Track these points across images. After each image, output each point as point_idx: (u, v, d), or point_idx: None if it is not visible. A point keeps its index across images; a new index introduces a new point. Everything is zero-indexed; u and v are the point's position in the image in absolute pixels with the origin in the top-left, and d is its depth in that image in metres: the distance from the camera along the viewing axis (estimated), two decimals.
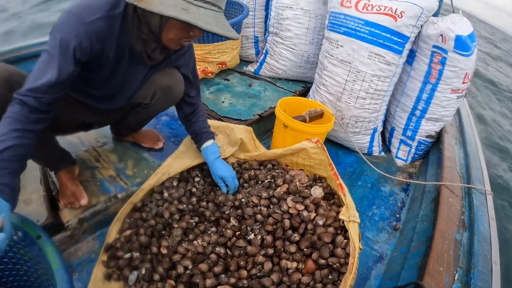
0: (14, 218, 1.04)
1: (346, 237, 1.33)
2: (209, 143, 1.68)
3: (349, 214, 1.32)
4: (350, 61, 2.11)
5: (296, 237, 1.35)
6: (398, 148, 2.47)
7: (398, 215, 1.96)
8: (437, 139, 2.38)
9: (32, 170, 1.66)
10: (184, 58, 1.54)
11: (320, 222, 1.36)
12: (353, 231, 1.28)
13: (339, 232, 1.36)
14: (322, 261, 1.28)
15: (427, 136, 2.34)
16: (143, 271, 1.33)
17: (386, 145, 2.60)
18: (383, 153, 2.50)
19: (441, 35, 1.99)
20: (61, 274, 0.94)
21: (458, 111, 2.64)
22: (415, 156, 2.43)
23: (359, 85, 2.13)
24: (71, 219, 1.48)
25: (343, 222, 1.35)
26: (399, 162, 2.45)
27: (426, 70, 2.14)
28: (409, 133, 2.37)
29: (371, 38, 2.02)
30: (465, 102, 2.80)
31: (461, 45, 1.97)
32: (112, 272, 1.38)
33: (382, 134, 2.59)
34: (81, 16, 1.07)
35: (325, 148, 1.57)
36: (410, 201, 2.07)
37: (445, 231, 1.47)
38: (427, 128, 2.30)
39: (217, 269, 1.30)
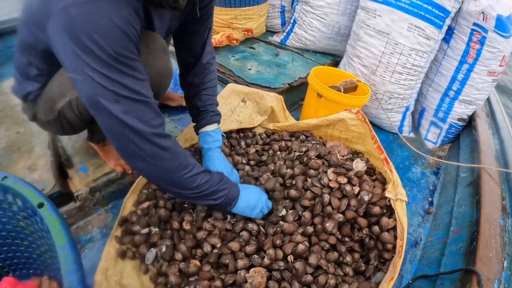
0: (11, 182, 0.89)
1: (391, 218, 1.22)
2: (211, 127, 1.38)
3: (396, 192, 1.21)
4: (388, 32, 1.97)
5: (336, 214, 1.21)
6: (428, 130, 2.34)
7: (430, 198, 1.85)
8: (468, 123, 2.26)
9: (39, 134, 1.53)
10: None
11: (366, 198, 1.22)
12: (401, 210, 1.17)
13: (384, 211, 1.24)
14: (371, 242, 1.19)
15: (458, 119, 2.21)
16: (164, 249, 1.19)
17: (414, 126, 2.47)
18: (412, 134, 2.37)
19: (483, 12, 1.85)
20: (66, 253, 0.76)
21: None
22: (445, 139, 2.31)
23: (396, 59, 1.99)
24: (81, 188, 1.34)
25: (389, 201, 1.24)
26: (429, 145, 2.33)
27: (464, 49, 2.00)
28: (440, 114, 2.24)
29: (412, 9, 1.88)
30: (493, 88, 2.68)
31: (502, 25, 1.85)
32: (127, 249, 1.24)
33: (411, 114, 2.46)
34: None
35: (366, 120, 1.45)
36: (442, 185, 1.96)
37: (490, 216, 1.36)
38: (460, 110, 2.18)
39: (249, 248, 1.17)
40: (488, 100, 2.51)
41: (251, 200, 1.21)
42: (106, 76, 0.79)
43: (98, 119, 0.88)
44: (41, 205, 0.85)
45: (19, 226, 0.99)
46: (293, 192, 1.30)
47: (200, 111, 1.37)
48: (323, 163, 1.38)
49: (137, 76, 0.85)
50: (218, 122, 1.41)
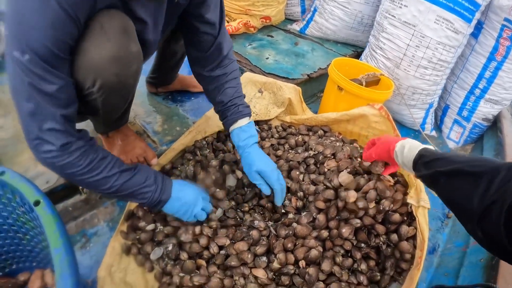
0: (9, 177, 0.87)
1: (411, 226, 1.14)
2: (243, 121, 1.25)
3: (419, 198, 1.12)
4: (414, 23, 1.87)
5: (353, 219, 1.13)
6: (451, 129, 2.24)
7: None
8: (492, 123, 2.15)
9: None
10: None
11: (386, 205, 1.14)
12: (423, 219, 1.09)
13: (405, 218, 1.16)
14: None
15: (483, 119, 2.11)
16: (170, 247, 1.14)
17: (437, 124, 2.37)
18: (434, 132, 2.27)
19: None
20: (61, 255, 0.73)
21: None
22: (468, 139, 2.21)
23: (422, 52, 1.89)
24: None
25: (410, 207, 1.15)
26: (451, 144, 2.23)
27: (493, 45, 1.89)
28: (465, 113, 2.14)
29: (441, 0, 1.78)
30: None
31: None
32: (132, 245, 1.19)
33: (434, 111, 2.36)
34: None
35: (390, 117, 1.37)
36: None
37: None
38: (485, 110, 2.07)
39: (259, 250, 1.10)
40: None
41: (184, 205, 1.11)
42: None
43: None
44: (37, 203, 0.82)
45: (19, 221, 0.97)
46: (311, 189, 1.23)
47: (227, 106, 1.25)
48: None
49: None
50: (249, 115, 1.27)
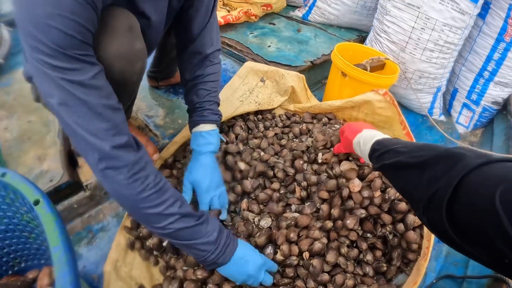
0: (10, 178, 0.87)
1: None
2: (205, 127, 1.20)
3: None
4: (418, 5, 1.82)
5: (358, 210, 1.11)
6: (460, 113, 2.19)
7: None
8: (503, 107, 2.09)
9: (48, 122, 1.49)
10: None
11: (392, 194, 1.11)
12: None
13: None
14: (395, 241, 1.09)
15: (493, 103, 2.06)
16: None
17: (445, 108, 2.32)
18: (443, 117, 2.23)
19: None
20: (59, 254, 0.72)
21: None
22: (477, 123, 2.15)
23: (428, 35, 1.84)
24: (90, 178, 1.31)
25: None
26: (460, 129, 2.18)
27: (501, 26, 1.83)
28: (474, 96, 2.09)
29: None
30: None
31: None
32: (136, 240, 1.19)
33: (442, 95, 2.31)
34: None
35: (395, 102, 1.33)
36: None
37: None
38: (495, 93, 2.02)
39: (259, 240, 1.08)
40: None
41: (241, 275, 0.97)
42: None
43: None
44: (36, 202, 0.83)
45: (24, 220, 1.00)
46: (314, 178, 1.21)
47: (195, 107, 1.20)
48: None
49: None
50: (216, 123, 1.22)
